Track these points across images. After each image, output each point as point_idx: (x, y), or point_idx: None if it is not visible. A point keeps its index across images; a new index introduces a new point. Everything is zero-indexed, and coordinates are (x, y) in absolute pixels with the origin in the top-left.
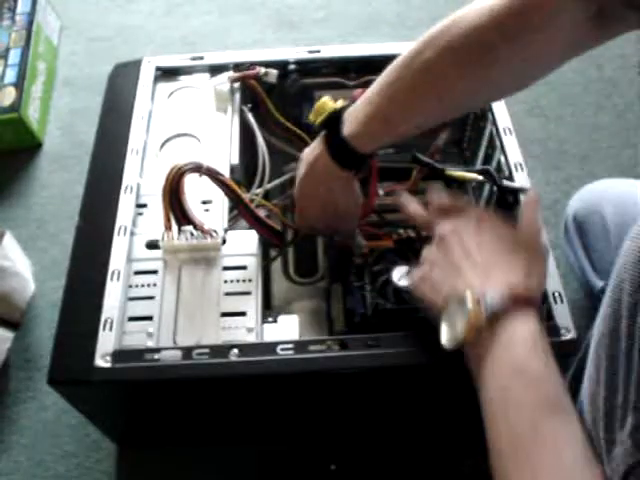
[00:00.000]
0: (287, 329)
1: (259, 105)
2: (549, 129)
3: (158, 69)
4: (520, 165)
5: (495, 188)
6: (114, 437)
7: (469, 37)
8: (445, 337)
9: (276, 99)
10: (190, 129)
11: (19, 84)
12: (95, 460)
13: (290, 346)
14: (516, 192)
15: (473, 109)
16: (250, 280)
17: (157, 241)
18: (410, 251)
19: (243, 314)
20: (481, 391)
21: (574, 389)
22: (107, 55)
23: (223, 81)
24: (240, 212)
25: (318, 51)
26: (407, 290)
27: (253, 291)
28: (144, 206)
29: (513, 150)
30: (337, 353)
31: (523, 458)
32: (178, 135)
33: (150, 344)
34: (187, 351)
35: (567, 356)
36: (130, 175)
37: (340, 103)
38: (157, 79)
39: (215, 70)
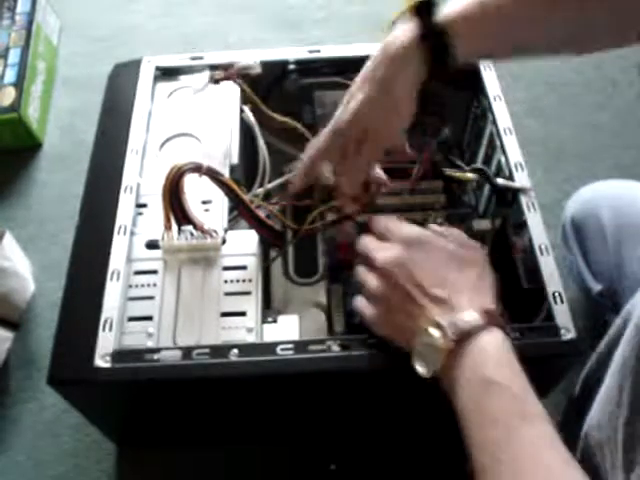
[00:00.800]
0: (287, 329)
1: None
2: (549, 129)
3: (158, 69)
4: (520, 165)
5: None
6: (114, 437)
7: None
8: (421, 370)
9: (276, 98)
10: (190, 129)
11: (19, 84)
12: (95, 460)
13: (290, 346)
14: (512, 191)
15: (569, 47)
16: (250, 280)
17: (157, 241)
18: None
19: (243, 314)
20: (456, 405)
21: (580, 405)
22: (107, 55)
23: (203, 82)
24: (240, 212)
25: (318, 51)
26: None
27: (253, 291)
28: (144, 206)
29: (513, 150)
30: (337, 353)
31: (503, 466)
32: (178, 135)
33: (150, 344)
34: (187, 351)
35: (567, 356)
36: (130, 175)
37: None
38: (157, 79)
39: (215, 70)
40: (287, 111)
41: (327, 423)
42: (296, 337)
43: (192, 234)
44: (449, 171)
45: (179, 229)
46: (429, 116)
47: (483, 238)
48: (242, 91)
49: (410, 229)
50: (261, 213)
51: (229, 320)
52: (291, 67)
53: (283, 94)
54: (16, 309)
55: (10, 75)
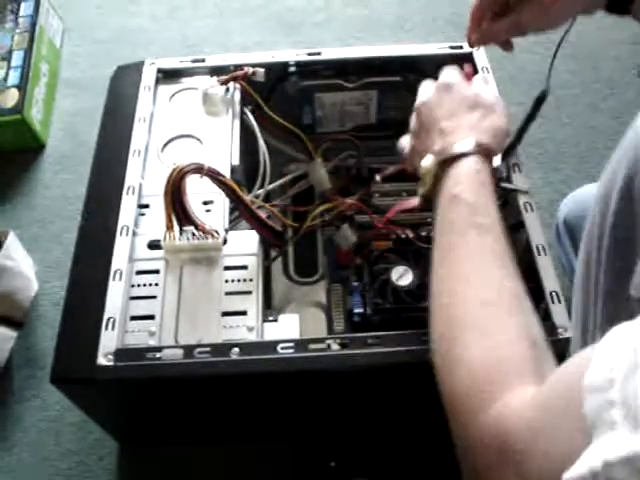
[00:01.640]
0: (287, 328)
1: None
2: (547, 130)
3: (160, 71)
4: (518, 166)
5: None
6: (116, 435)
7: None
8: (419, 192)
9: (277, 100)
10: (191, 130)
11: (22, 86)
12: (97, 458)
13: (290, 345)
14: (510, 191)
15: None
16: (251, 280)
17: (159, 241)
18: (409, 251)
19: (244, 313)
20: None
21: None
22: (109, 57)
23: (211, 85)
24: (241, 213)
25: (318, 53)
26: (406, 290)
27: (254, 290)
28: (146, 207)
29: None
30: (337, 352)
31: (444, 269)
32: (179, 136)
33: (152, 343)
34: (188, 350)
35: (565, 354)
36: (132, 176)
37: None
38: (159, 81)
39: (216, 72)
40: (287, 113)
41: (327, 421)
42: (296, 336)
43: (193, 234)
44: None
45: (181, 229)
46: None
47: None
48: (242, 93)
49: (445, 75)
50: (262, 213)
51: (230, 319)
52: (291, 69)
53: (283, 96)
54: (20, 308)
55: (13, 77)
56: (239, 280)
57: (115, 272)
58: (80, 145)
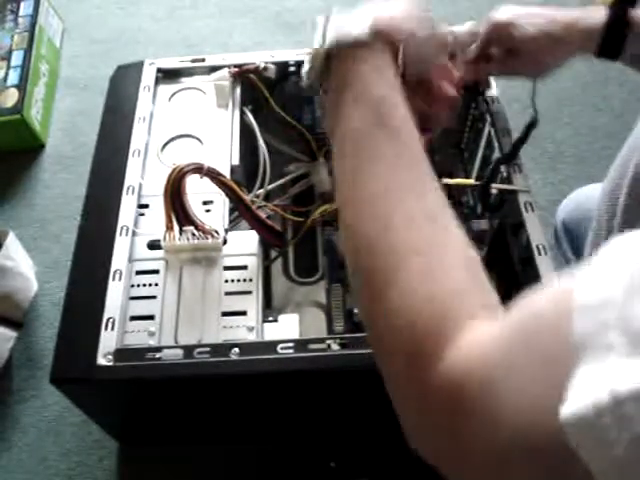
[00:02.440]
0: (287, 328)
1: (260, 101)
2: (546, 131)
3: (159, 71)
4: (518, 166)
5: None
6: (116, 435)
7: None
8: (303, 73)
9: (277, 100)
10: (191, 130)
11: (22, 86)
12: (97, 458)
13: (290, 345)
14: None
15: None
16: (251, 280)
17: (159, 241)
18: None
19: (244, 313)
20: (329, 121)
21: None
22: (109, 57)
23: (223, 76)
24: (241, 213)
25: None
26: None
27: (254, 291)
28: (146, 207)
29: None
30: (337, 352)
31: (347, 159)
32: (179, 136)
33: (152, 343)
34: (188, 350)
35: None
36: (132, 176)
37: None
38: (158, 81)
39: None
40: (287, 113)
41: (327, 421)
42: (296, 336)
43: (193, 234)
44: (445, 180)
45: (180, 229)
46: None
47: (482, 238)
48: (243, 92)
49: None
50: (262, 214)
51: (230, 319)
52: (291, 69)
53: (283, 96)
54: (19, 308)
55: (13, 77)
56: (239, 280)
57: (115, 272)
58: (80, 145)
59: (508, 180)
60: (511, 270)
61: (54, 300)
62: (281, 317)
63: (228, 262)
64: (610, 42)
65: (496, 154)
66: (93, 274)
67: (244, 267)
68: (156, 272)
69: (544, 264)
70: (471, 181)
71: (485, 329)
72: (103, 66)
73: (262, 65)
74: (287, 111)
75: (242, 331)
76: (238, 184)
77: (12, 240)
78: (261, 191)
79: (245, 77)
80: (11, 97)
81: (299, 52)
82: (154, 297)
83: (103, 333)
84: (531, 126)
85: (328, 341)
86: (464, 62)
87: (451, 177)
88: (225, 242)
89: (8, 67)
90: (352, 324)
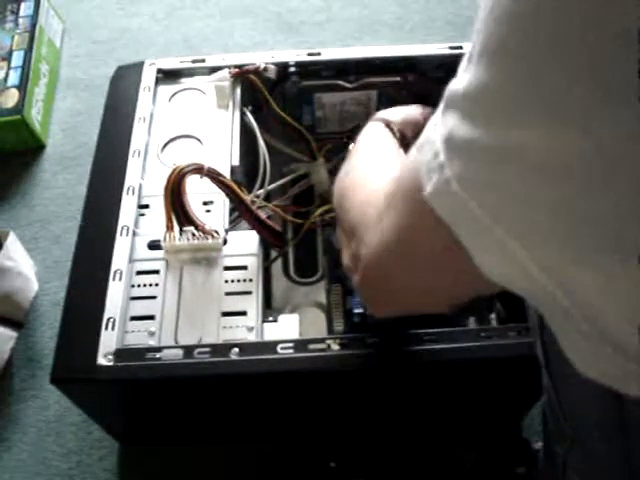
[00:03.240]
0: (287, 328)
1: (260, 101)
2: None
3: (160, 71)
4: None
5: None
6: (116, 435)
7: None
8: None
9: (277, 101)
10: (191, 131)
11: (22, 86)
12: (97, 458)
13: (290, 345)
14: None
15: None
16: (251, 280)
17: (159, 241)
18: None
19: (244, 313)
20: None
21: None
22: (109, 57)
23: (223, 77)
24: (241, 213)
25: (318, 53)
26: None
27: (254, 291)
28: (146, 207)
29: None
30: (337, 352)
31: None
32: (180, 137)
33: (152, 343)
34: (188, 350)
35: None
36: (132, 176)
37: None
38: (159, 81)
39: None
40: (287, 113)
41: (327, 421)
42: (296, 336)
43: (193, 235)
44: None
45: (181, 230)
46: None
47: None
48: (243, 93)
49: None
50: (262, 214)
51: (230, 319)
52: (291, 69)
53: (283, 96)
54: (20, 308)
55: (13, 77)
56: (239, 280)
57: (115, 272)
58: (80, 145)
59: None
60: None
61: (54, 300)
62: (281, 317)
63: (228, 262)
64: None
65: None
66: (93, 274)
67: (244, 267)
68: (156, 272)
69: None
70: None
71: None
72: (103, 66)
73: (262, 66)
74: (287, 111)
75: (242, 331)
76: (238, 184)
77: (12, 240)
78: (261, 191)
79: (245, 77)
80: (11, 97)
81: (299, 52)
82: (154, 297)
83: (103, 333)
84: None
85: (328, 341)
86: None
87: None
88: (225, 242)
89: (8, 67)
90: (352, 324)
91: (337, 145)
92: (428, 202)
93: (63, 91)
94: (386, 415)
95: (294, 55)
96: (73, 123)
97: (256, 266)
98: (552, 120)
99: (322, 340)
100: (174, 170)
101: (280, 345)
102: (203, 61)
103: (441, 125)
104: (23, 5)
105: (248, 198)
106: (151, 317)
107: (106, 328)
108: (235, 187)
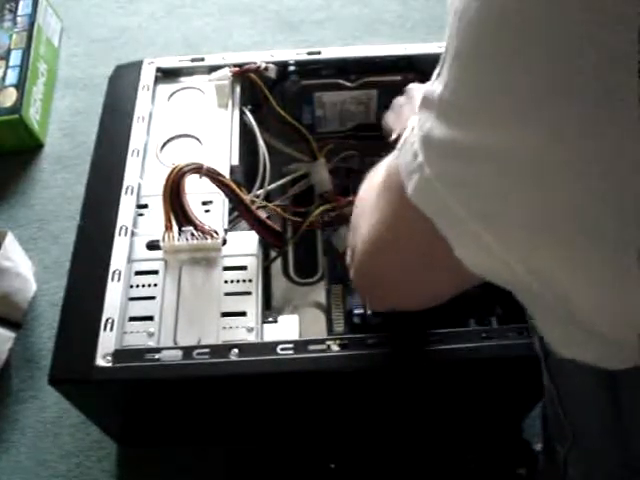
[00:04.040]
0: (287, 329)
1: (260, 101)
2: None
3: (159, 70)
4: None
5: None
6: (115, 436)
7: None
8: None
9: (276, 100)
10: (191, 130)
11: (20, 85)
12: (96, 459)
13: (290, 346)
14: None
15: None
16: (250, 280)
17: (158, 242)
18: None
19: (243, 314)
20: None
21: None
22: (108, 56)
23: (224, 76)
24: (240, 213)
25: (318, 52)
26: None
27: (253, 291)
28: (145, 207)
29: None
30: (337, 353)
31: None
32: (179, 136)
33: (151, 344)
34: (187, 351)
35: None
36: (131, 176)
37: None
38: (158, 80)
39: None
40: (286, 112)
41: (327, 422)
42: (296, 337)
43: (193, 235)
44: None
45: (180, 230)
46: None
47: None
48: (243, 92)
49: None
50: (261, 214)
51: (229, 320)
52: (291, 68)
53: (283, 95)
54: (18, 309)
55: (12, 77)
56: (238, 281)
57: (114, 273)
58: (78, 145)
59: None
60: None
61: (53, 301)
62: (281, 318)
63: (227, 262)
64: None
65: None
66: (92, 274)
67: (244, 268)
68: (155, 273)
69: None
70: None
71: None
72: (102, 65)
73: (263, 65)
74: (287, 111)
75: (242, 332)
76: (238, 184)
77: (11, 240)
78: (261, 191)
79: (245, 77)
80: (9, 97)
81: (299, 51)
82: (153, 298)
83: (102, 334)
84: None
85: (328, 342)
86: None
87: None
88: (224, 242)
89: (6, 67)
90: (352, 325)
91: (337, 145)
92: (411, 200)
93: (61, 90)
94: (386, 416)
95: (294, 54)
96: (72, 122)
97: (256, 266)
98: (519, 122)
99: (322, 341)
100: (173, 170)
101: (280, 346)
102: (202, 60)
103: (417, 127)
104: (21, 4)
105: (248, 198)
106: (150, 318)
107: (105, 329)
108: (234, 187)
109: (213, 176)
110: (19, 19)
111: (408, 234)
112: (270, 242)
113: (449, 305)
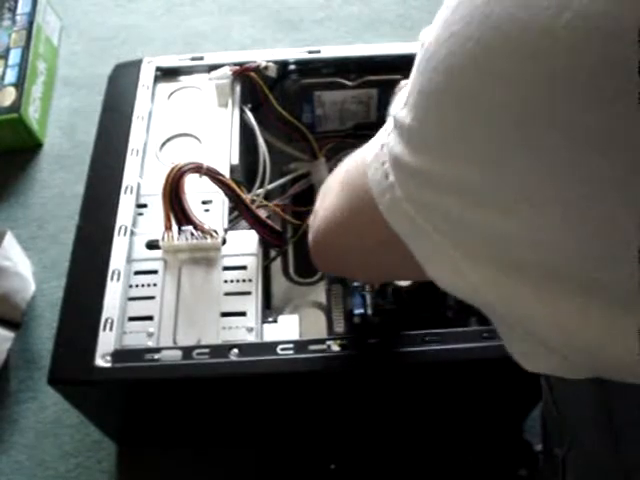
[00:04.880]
0: (287, 329)
1: (260, 99)
2: None
3: (158, 69)
4: None
5: None
6: (114, 437)
7: None
8: None
9: (276, 99)
10: (190, 129)
11: (19, 84)
12: (95, 460)
13: (290, 346)
14: None
15: None
16: (250, 280)
17: (157, 241)
18: None
19: (243, 314)
20: None
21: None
22: (107, 55)
23: (223, 75)
24: (240, 212)
25: (318, 51)
26: (407, 291)
27: (253, 291)
28: (144, 206)
29: None
30: (337, 353)
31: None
32: (178, 135)
33: (150, 344)
34: (187, 351)
35: None
36: (130, 175)
37: None
38: (157, 79)
39: (215, 70)
40: (286, 111)
41: (327, 422)
42: (296, 337)
43: (192, 234)
44: None
45: (179, 229)
46: None
47: None
48: (243, 91)
49: None
50: (261, 213)
51: (229, 320)
52: (291, 67)
53: (282, 94)
54: (17, 309)
55: (11, 75)
56: (238, 280)
57: (113, 272)
58: (78, 144)
59: None
60: None
61: (52, 300)
62: (281, 318)
63: (227, 262)
64: None
65: None
66: (91, 274)
67: (243, 267)
68: (155, 272)
69: None
70: None
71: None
72: (101, 64)
73: (263, 64)
74: (287, 110)
75: (241, 332)
76: (238, 183)
77: (10, 240)
78: (261, 191)
79: (245, 76)
80: (9, 96)
81: (299, 50)
82: (153, 297)
83: (101, 334)
84: None
85: (328, 342)
86: None
87: None
88: (224, 242)
89: (6, 66)
90: (352, 325)
91: (338, 144)
92: (382, 215)
93: (61, 89)
94: (387, 416)
95: (294, 53)
96: (71, 122)
97: (255, 266)
98: (483, 163)
99: (322, 341)
100: (173, 169)
101: (280, 346)
102: (202, 59)
103: (387, 147)
104: (20, 2)
105: (247, 197)
106: (149, 318)
107: (104, 329)
108: (234, 186)
109: (213, 175)
110: (18, 17)
111: (366, 228)
112: (270, 241)
113: (449, 305)
